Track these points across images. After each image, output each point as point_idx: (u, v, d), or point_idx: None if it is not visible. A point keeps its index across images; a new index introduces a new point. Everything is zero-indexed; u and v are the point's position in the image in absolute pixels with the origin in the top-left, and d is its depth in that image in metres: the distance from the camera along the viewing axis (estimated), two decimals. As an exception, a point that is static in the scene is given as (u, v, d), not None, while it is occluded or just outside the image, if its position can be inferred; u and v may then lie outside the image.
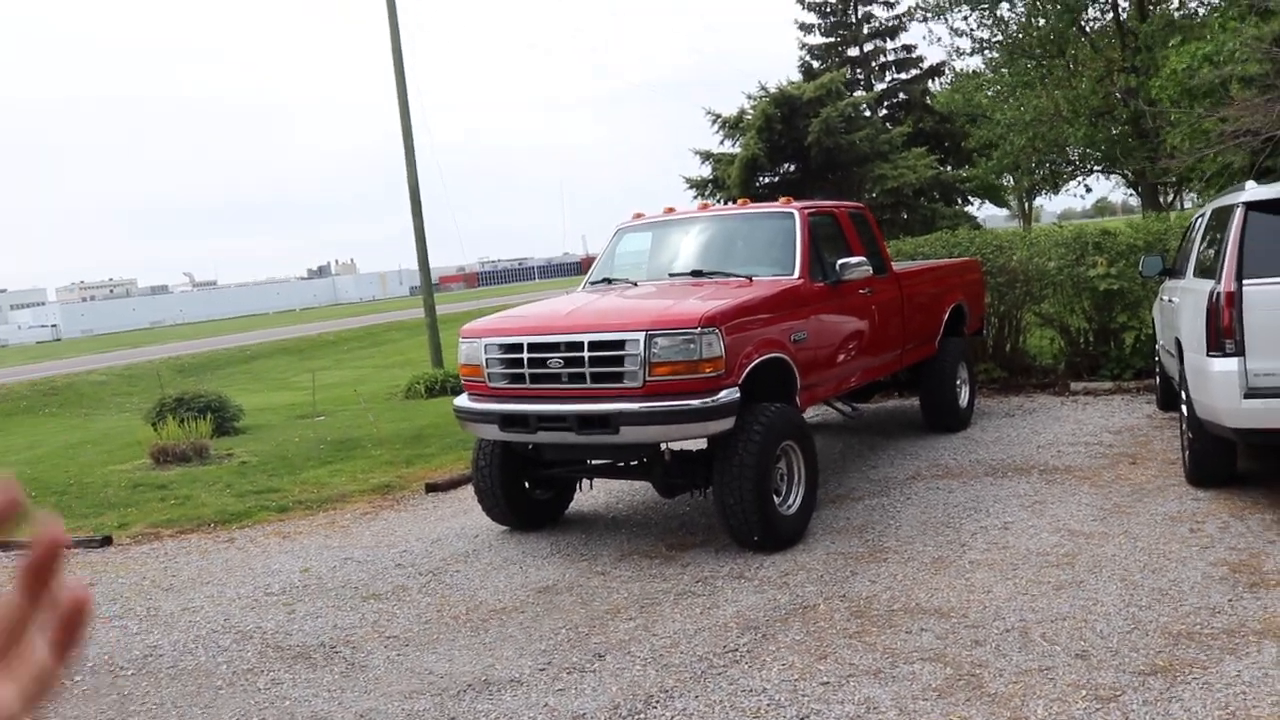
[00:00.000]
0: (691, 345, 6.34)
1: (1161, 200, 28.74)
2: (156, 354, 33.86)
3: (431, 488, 9.61)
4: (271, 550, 7.92)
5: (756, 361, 6.72)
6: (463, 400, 7.36)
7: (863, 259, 7.83)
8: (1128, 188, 31.58)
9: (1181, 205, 29.33)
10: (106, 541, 8.58)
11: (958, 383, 10.05)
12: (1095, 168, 29.11)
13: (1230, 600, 5.14)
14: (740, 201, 9.29)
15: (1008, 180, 32.82)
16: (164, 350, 37.33)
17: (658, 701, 4.60)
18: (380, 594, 6.57)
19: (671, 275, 7.99)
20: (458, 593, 6.47)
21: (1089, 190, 32.11)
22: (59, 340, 69.37)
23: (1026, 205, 44.02)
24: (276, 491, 9.98)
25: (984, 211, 39.84)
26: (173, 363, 28.91)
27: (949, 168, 24.42)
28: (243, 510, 9.29)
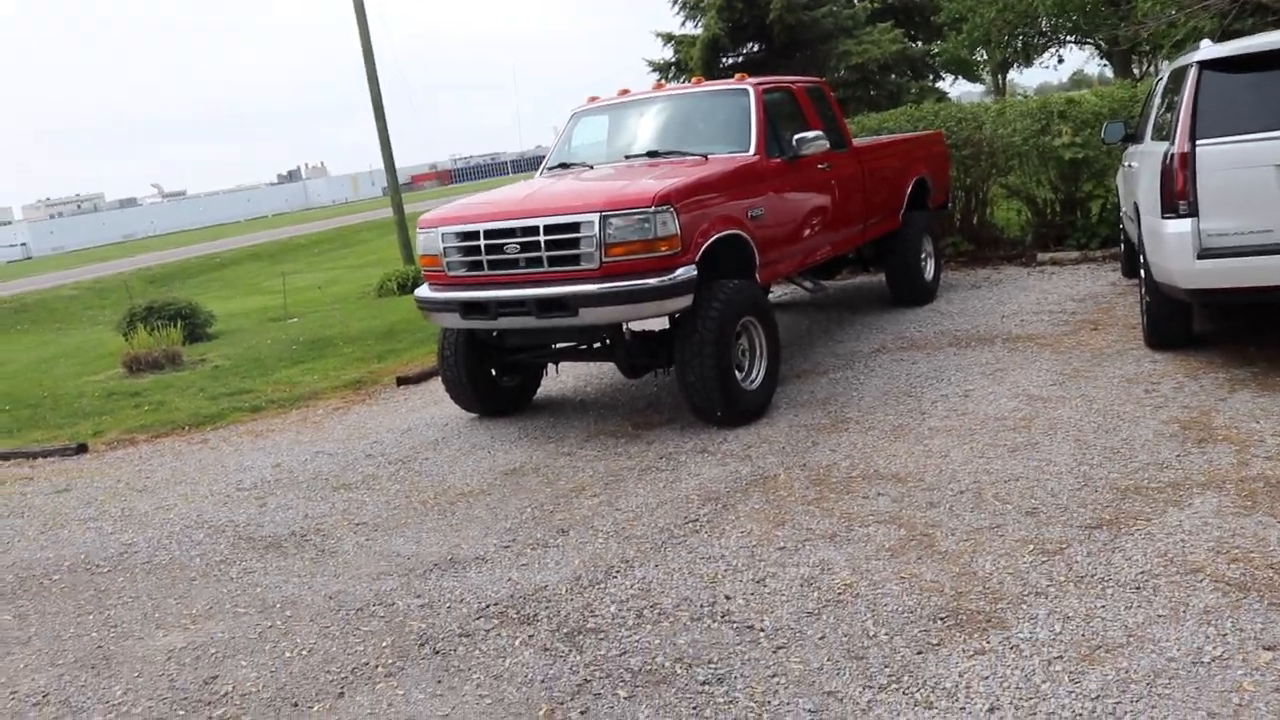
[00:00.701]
0: (646, 224, 6.32)
1: (1136, 70, 28.46)
2: (127, 266, 33.56)
3: (402, 380, 9.66)
4: (244, 449, 7.98)
5: (713, 239, 6.71)
6: (424, 290, 7.35)
7: (820, 133, 7.77)
8: (1101, 58, 31.23)
9: (1155, 73, 29.06)
10: (82, 449, 8.62)
11: (923, 256, 10.06)
12: (1067, 38, 28.70)
13: (1178, 455, 5.24)
14: (695, 80, 9.18)
15: (981, 55, 32.35)
16: (135, 262, 36.98)
17: (618, 571, 4.71)
18: (350, 484, 6.65)
19: (628, 157, 7.92)
20: (426, 479, 6.55)
21: (1061, 61, 31.74)
22: (29, 259, 68.53)
23: (1000, 80, 43.49)
24: (249, 393, 10.01)
25: (958, 88, 39.42)
26: (144, 274, 28.68)
27: (919, 43, 24.04)
28: (216, 412, 9.33)
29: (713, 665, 3.76)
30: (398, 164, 20.07)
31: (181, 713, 3.95)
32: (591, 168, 7.95)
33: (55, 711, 4.12)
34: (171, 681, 4.21)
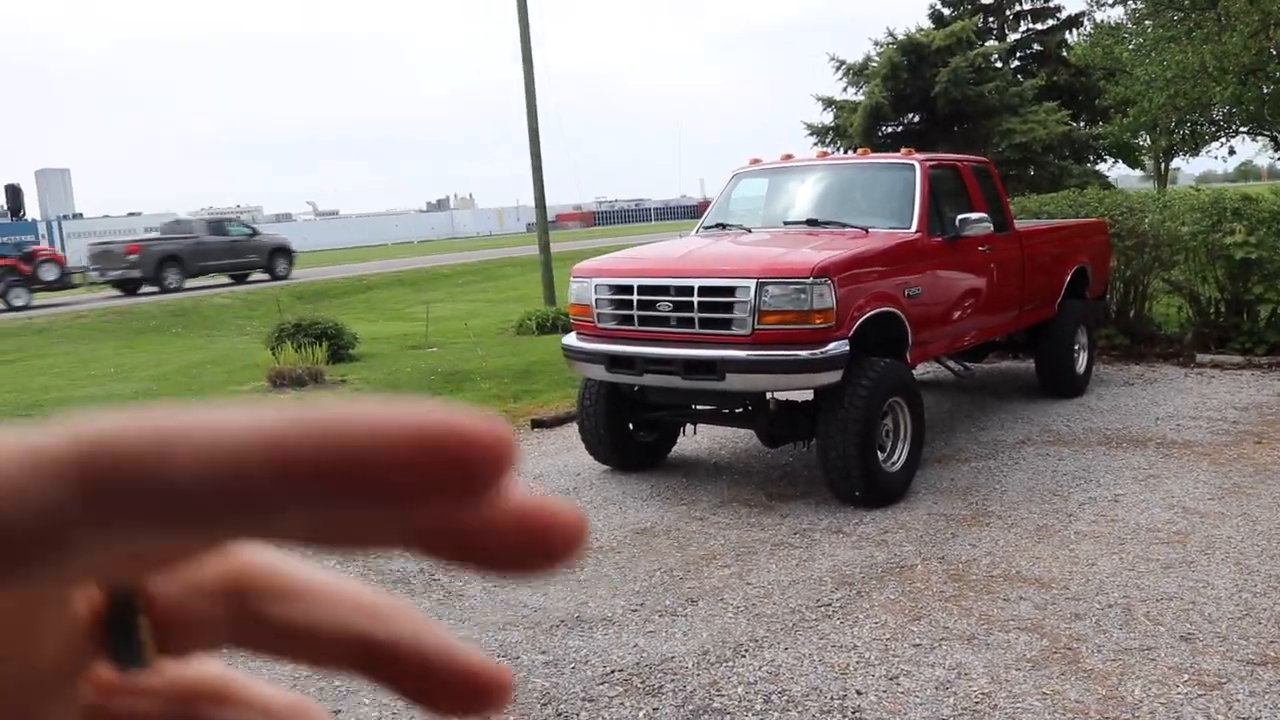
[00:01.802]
0: (803, 295, 6.26)
1: (1311, 166, 27.36)
2: (279, 281, 34.81)
3: (537, 424, 9.73)
4: (379, 476, 8.11)
5: (868, 315, 6.61)
6: (571, 339, 7.41)
7: (983, 215, 7.62)
8: (1276, 150, 30.10)
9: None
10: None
11: (1076, 347, 9.75)
12: (1241, 128, 27.74)
13: (1352, 591, 4.92)
14: (860, 150, 9.11)
15: (1144, 140, 31.51)
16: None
17: (747, 650, 4.61)
18: (481, 526, 6.69)
19: (786, 223, 7.88)
20: (556, 529, 6.54)
21: (1233, 153, 30.56)
22: (189, 261, 71.80)
23: (1163, 166, 42.28)
24: (386, 419, 10.20)
25: (1116, 171, 38.37)
26: (292, 289, 29.66)
27: (1082, 124, 23.54)
28: (353, 436, 9.52)
29: (842, 766, 3.64)
30: (548, 201, 20.41)
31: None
32: (749, 230, 7.93)
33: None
34: None
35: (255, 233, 32.78)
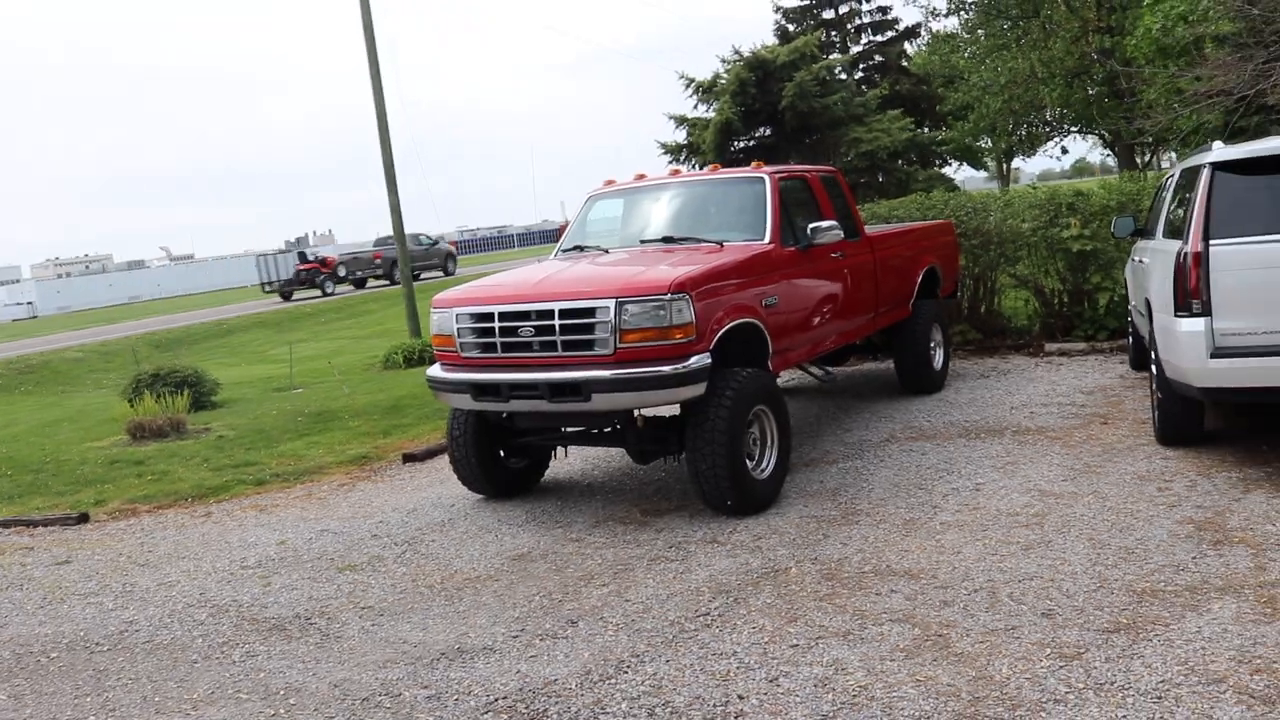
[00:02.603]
0: (662, 311, 6.34)
1: (1138, 160, 28.80)
2: (134, 330, 33.61)
3: (409, 458, 9.62)
4: (248, 524, 7.92)
5: (728, 327, 6.73)
6: (435, 370, 7.35)
7: (834, 223, 7.83)
8: (1104, 148, 31.63)
9: (1158, 165, 29.40)
10: (83, 519, 8.57)
11: (932, 345, 10.08)
12: (1071, 128, 29.10)
13: (1194, 558, 5.20)
14: (711, 167, 9.27)
15: (985, 142, 32.79)
16: (141, 326, 37.05)
17: (629, 666, 4.64)
18: (356, 565, 6.59)
19: (643, 242, 7.97)
20: (433, 562, 6.49)
21: (1065, 151, 32.16)
22: (35, 318, 68.75)
23: (1005, 167, 44.04)
24: (254, 465, 9.97)
25: (962, 174, 39.82)
26: (149, 338, 28.71)
27: (925, 130, 24.38)
28: (220, 484, 9.28)
29: (727, 770, 3.69)
30: (409, 231, 20.19)
31: (181, 805, 3.87)
32: (607, 251, 7.99)
33: (51, 799, 4.03)
34: (172, 770, 4.13)
35: (435, 242, 45.60)
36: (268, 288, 44.72)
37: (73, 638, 5.82)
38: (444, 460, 8.60)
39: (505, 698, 4.45)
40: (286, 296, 42.64)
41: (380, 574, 6.35)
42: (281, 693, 4.76)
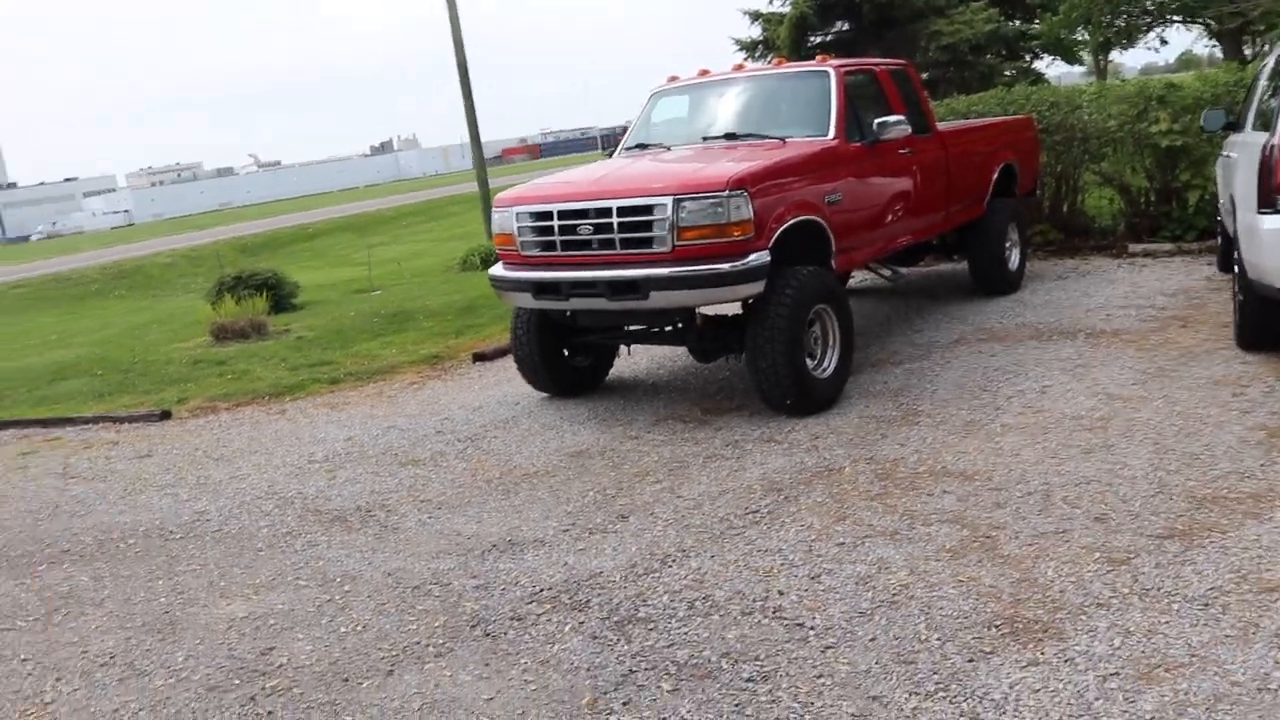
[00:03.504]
0: (719, 208, 6.25)
1: (1248, 51, 27.39)
2: (222, 235, 34.34)
3: (479, 357, 9.73)
4: (319, 421, 8.11)
5: (788, 224, 6.61)
6: (498, 269, 7.38)
7: (901, 118, 7.60)
8: (1210, 39, 30.09)
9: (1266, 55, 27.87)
10: (165, 416, 8.85)
11: (1007, 245, 9.82)
12: (1174, 18, 27.66)
13: (1262, 465, 5.03)
14: (776, 60, 9.05)
15: (1081, 35, 31.38)
16: (229, 231, 37.82)
17: (674, 560, 4.68)
18: (418, 460, 6.72)
19: (705, 139, 7.84)
20: (493, 458, 6.59)
21: (1165, 43, 30.51)
22: (131, 225, 70.55)
23: (1101, 61, 42.20)
24: (329, 364, 10.18)
25: (1056, 69, 38.28)
26: (236, 243, 29.33)
27: (1016, 22, 23.39)
28: (295, 383, 9.50)
29: (759, 662, 3.72)
30: (488, 137, 20.25)
31: (237, 682, 4.03)
32: (669, 149, 7.89)
33: (120, 673, 4.23)
34: (230, 650, 4.31)
35: None
36: None
37: (149, 526, 6.06)
38: (512, 360, 8.68)
39: (550, 588, 4.53)
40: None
41: (441, 469, 6.48)
42: (338, 580, 4.91)
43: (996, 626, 3.78)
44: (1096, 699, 3.27)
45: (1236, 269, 7.11)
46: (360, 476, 6.52)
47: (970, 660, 3.58)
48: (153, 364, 11.38)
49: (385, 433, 7.49)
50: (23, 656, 4.50)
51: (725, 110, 8.08)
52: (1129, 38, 28.83)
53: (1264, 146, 6.34)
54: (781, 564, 4.52)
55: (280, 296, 14.76)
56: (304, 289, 16.12)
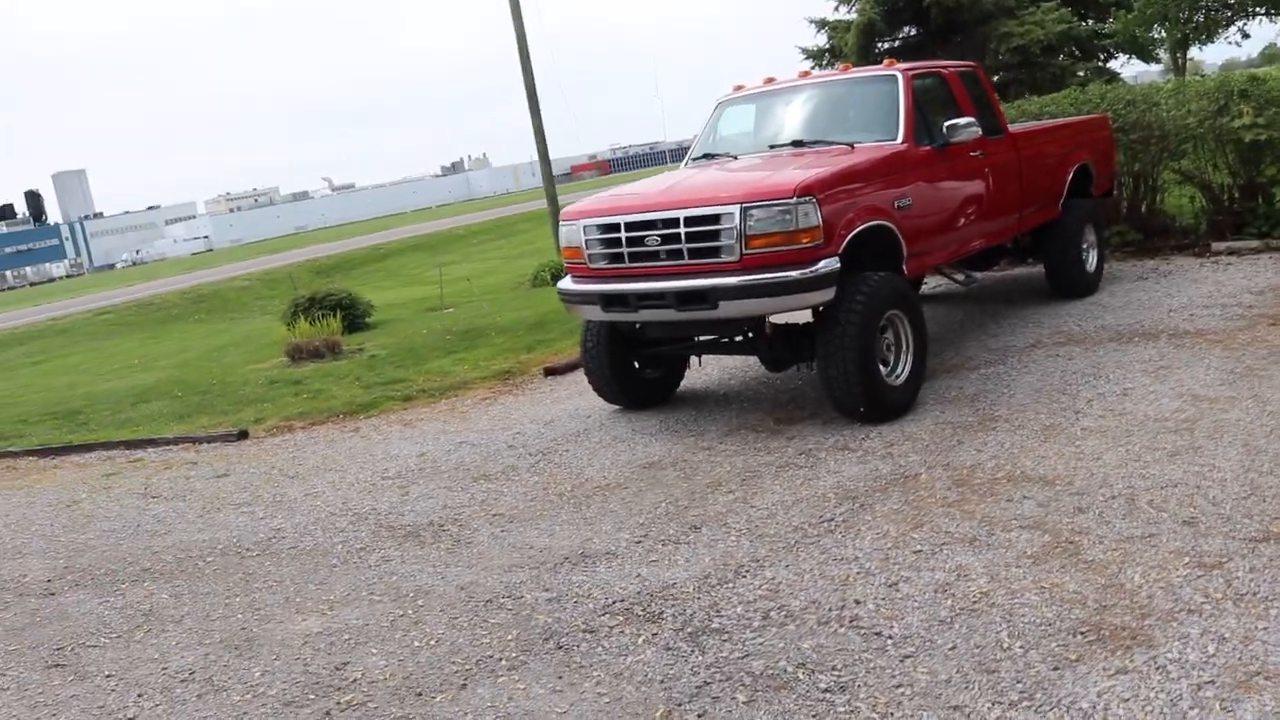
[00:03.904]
0: (787, 216, 6.19)
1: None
2: (297, 258, 34.97)
3: (550, 371, 9.75)
4: (393, 437, 8.18)
5: (858, 230, 6.53)
6: (566, 283, 7.39)
7: (971, 120, 7.48)
8: (1293, 31, 29.27)
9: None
10: (243, 435, 9.00)
11: (1084, 246, 9.60)
12: (1256, 10, 27.00)
13: (1360, 461, 4.84)
14: (842, 66, 8.97)
15: (1158, 32, 30.74)
16: (304, 254, 38.51)
17: (748, 571, 4.62)
18: (490, 474, 6.73)
19: (772, 147, 7.78)
20: (565, 471, 6.58)
21: (1246, 36, 29.71)
22: (211, 250, 72.25)
23: (1180, 59, 41.32)
24: (402, 382, 10.27)
25: (1132, 69, 37.51)
26: (310, 265, 29.86)
27: (1089, 21, 22.96)
28: (369, 401, 9.60)
29: (836, 672, 3.64)
30: (557, 154, 20.37)
31: (312, 697, 4.05)
32: (736, 158, 7.84)
33: (199, 689, 4.28)
34: (306, 666, 4.33)
35: None
36: None
37: (226, 543, 6.14)
38: (584, 373, 8.68)
39: (623, 600, 4.49)
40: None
41: (513, 483, 6.48)
42: (411, 595, 4.92)
43: (1082, 634, 3.66)
44: (1191, 708, 3.15)
45: (1327, 264, 6.87)
46: (433, 492, 6.55)
47: (1055, 669, 3.46)
48: (230, 385, 11.59)
49: (457, 448, 7.52)
50: (106, 673, 4.57)
51: (792, 118, 8.02)
52: (1208, 33, 28.20)
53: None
54: (858, 572, 4.44)
55: (354, 316, 14.97)
56: (377, 308, 16.34)
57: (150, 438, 9.38)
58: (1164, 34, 30.78)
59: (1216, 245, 11.06)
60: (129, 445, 9.28)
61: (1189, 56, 42.66)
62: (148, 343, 20.11)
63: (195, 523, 6.68)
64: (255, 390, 10.98)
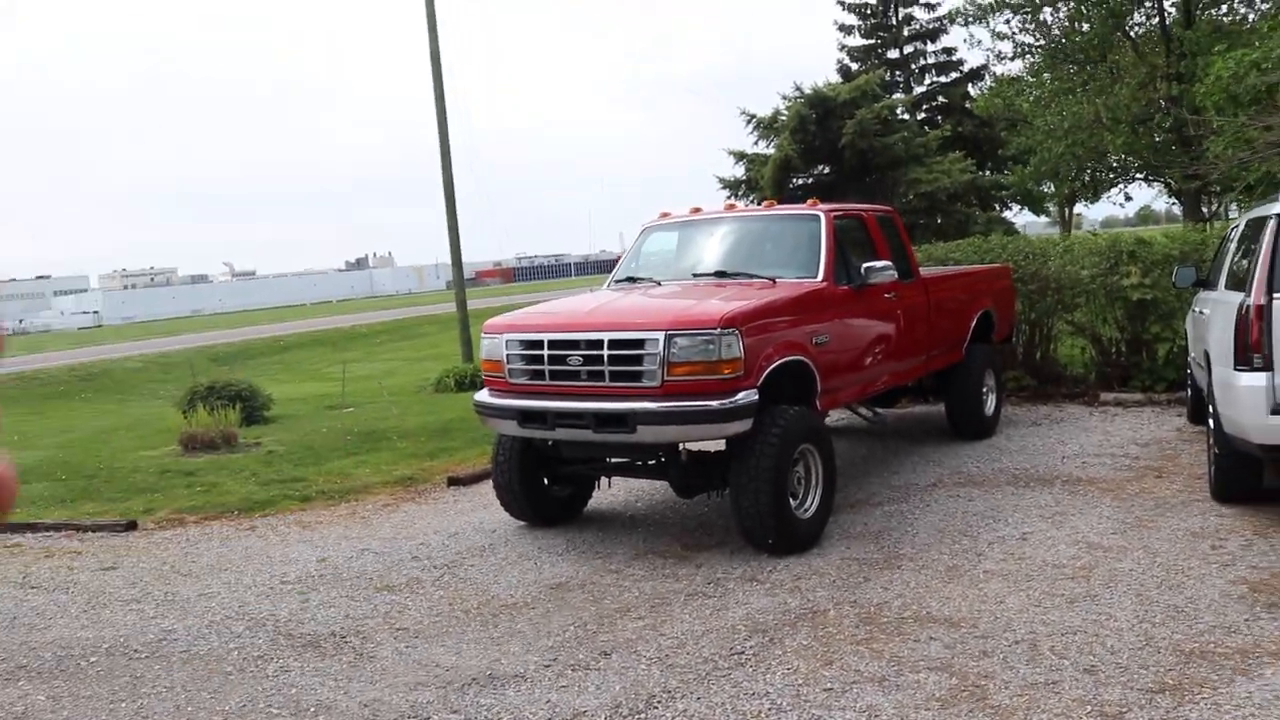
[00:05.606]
0: (711, 346, 6.32)
1: (1205, 209, 28.28)
2: (193, 342, 34.22)
3: (453, 481, 9.65)
4: (291, 539, 7.98)
5: (776, 364, 6.69)
6: (483, 395, 7.38)
7: (888, 263, 7.78)
8: (1170, 196, 31.13)
9: (1225, 214, 28.87)
10: (131, 526, 8.68)
11: (984, 390, 9.95)
12: (1136, 175, 28.68)
13: (1247, 620, 5.05)
14: (766, 203, 9.27)
15: (1048, 187, 32.40)
16: (201, 339, 37.70)
17: (659, 701, 4.59)
18: (394, 585, 6.60)
19: (695, 275, 7.96)
20: (471, 587, 6.49)
21: (1129, 199, 31.54)
22: (100, 326, 70.24)
23: (1066, 213, 43.48)
24: (300, 481, 10.05)
25: (1023, 218, 39.42)
26: (208, 351, 29.20)
27: (987, 173, 24.19)
28: (266, 499, 9.36)
29: (753, 814, 3.63)
30: (465, 259, 20.40)
31: (207, 818, 3.88)
32: (659, 284, 8.00)
33: (81, 804, 4.06)
34: (200, 783, 4.15)
35: None
36: None
37: (112, 643, 5.88)
38: (489, 485, 8.61)
39: (534, 727, 4.42)
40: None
41: (418, 596, 6.37)
42: (312, 710, 4.77)
43: (993, 784, 3.71)
44: None
45: (1211, 423, 7.23)
46: (334, 600, 6.39)
47: (968, 819, 3.50)
48: (119, 471, 11.19)
49: (359, 555, 7.37)
50: (-22, 780, 4.32)
51: (715, 248, 8.23)
52: (1094, 192, 29.79)
53: (1240, 306, 6.52)
54: (770, 708, 4.45)
55: (252, 409, 14.65)
56: (276, 402, 16.01)
57: (30, 522, 8.98)
58: (1054, 189, 32.42)
59: (1105, 395, 11.57)
60: (6, 529, 8.87)
61: (1075, 212, 44.92)
62: (28, 419, 19.31)
63: (78, 618, 6.39)
64: (145, 479, 10.62)
